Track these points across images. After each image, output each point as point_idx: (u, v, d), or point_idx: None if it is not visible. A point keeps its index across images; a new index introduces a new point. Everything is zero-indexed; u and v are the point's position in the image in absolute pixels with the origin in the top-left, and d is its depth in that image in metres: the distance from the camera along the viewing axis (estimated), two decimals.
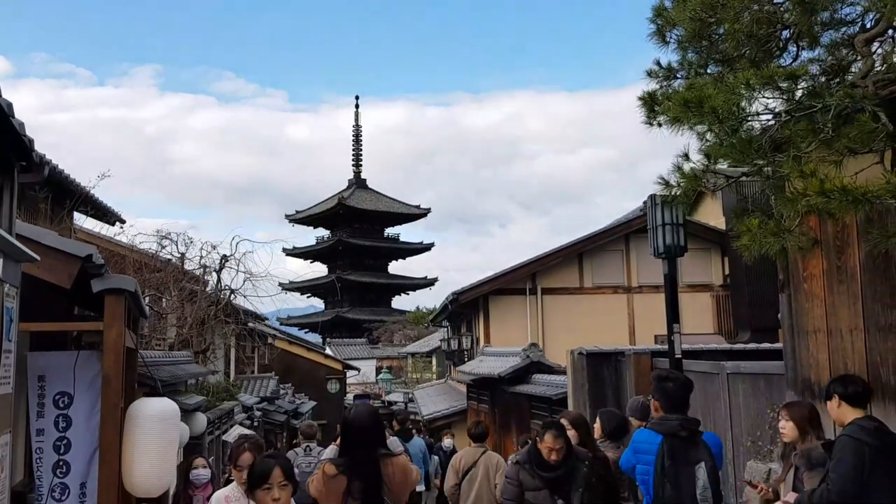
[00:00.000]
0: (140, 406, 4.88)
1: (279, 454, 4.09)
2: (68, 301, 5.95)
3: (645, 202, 12.67)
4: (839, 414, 4.18)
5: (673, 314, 6.98)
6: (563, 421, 5.17)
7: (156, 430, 4.77)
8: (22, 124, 3.06)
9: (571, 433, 5.10)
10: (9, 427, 3.32)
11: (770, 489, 4.60)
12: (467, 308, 20.14)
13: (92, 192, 10.07)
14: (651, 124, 5.35)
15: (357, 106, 71.18)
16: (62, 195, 9.76)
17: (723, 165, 5.34)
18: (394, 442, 4.35)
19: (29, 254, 3.15)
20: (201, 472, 5.57)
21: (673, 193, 5.22)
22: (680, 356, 7.08)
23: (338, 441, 4.27)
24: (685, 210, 6.42)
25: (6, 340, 3.21)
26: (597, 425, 5.51)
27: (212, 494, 5.01)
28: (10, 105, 2.81)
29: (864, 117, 3.86)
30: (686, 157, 4.84)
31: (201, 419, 10.77)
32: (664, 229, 6.87)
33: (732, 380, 7.88)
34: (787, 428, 4.40)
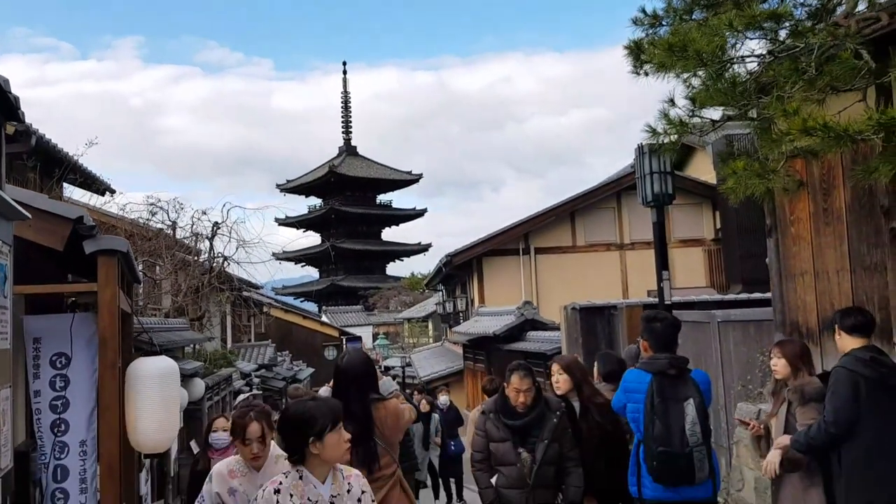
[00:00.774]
0: (140, 365, 4.94)
1: (258, 405, 4.13)
2: (61, 268, 5.97)
3: (634, 167, 12.70)
4: (842, 345, 4.26)
5: (662, 262, 7.06)
6: (555, 365, 5.04)
7: (157, 388, 4.83)
8: (7, 80, 3.06)
9: (563, 378, 4.96)
10: (8, 382, 3.37)
11: (761, 426, 4.69)
12: (461, 270, 20.23)
13: (80, 160, 10.03)
14: (638, 73, 5.36)
15: (345, 72, 70.59)
16: (50, 165, 9.72)
17: (709, 112, 5.37)
18: (386, 383, 4.39)
19: (20, 211, 3.17)
20: (221, 436, 5.30)
21: (660, 141, 5.25)
22: (670, 303, 7.17)
23: (331, 383, 4.35)
24: (672, 158, 6.46)
25: (1, 296, 3.25)
26: (595, 369, 5.59)
27: None
28: None
29: (847, 54, 3.88)
30: (672, 102, 4.86)
31: (199, 385, 10.87)
32: (652, 178, 6.91)
33: (723, 328, 7.99)
34: (778, 365, 4.49)
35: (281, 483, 2.82)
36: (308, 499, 2.79)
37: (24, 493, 4.79)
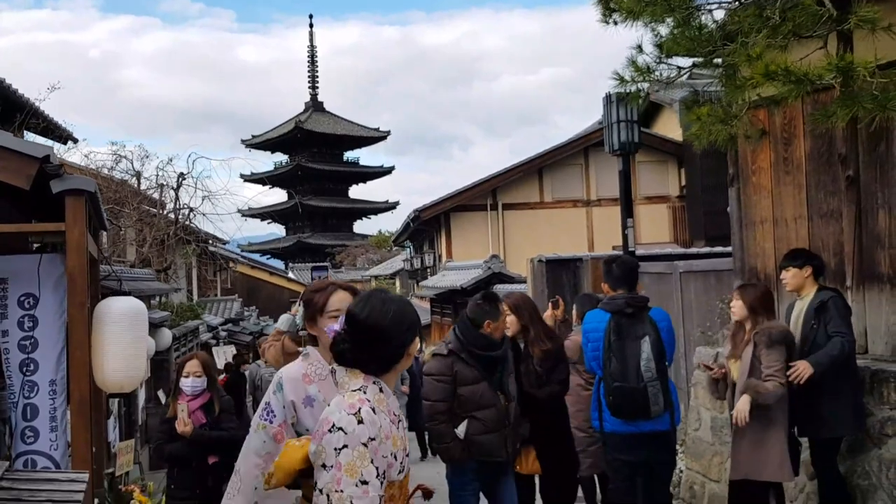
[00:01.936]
0: (107, 304, 4.94)
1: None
2: (24, 213, 5.91)
3: (602, 118, 12.77)
4: (804, 283, 4.63)
5: (627, 211, 7.19)
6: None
7: (124, 327, 4.84)
8: None
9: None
10: None
11: (721, 370, 4.85)
12: (429, 226, 20.29)
13: (41, 106, 9.82)
14: (606, 22, 5.40)
15: (311, 26, 69.31)
16: (10, 111, 9.52)
17: (676, 61, 5.44)
18: None
19: None
20: (194, 382, 4.89)
21: (627, 89, 5.32)
22: (633, 249, 7.33)
23: (293, 311, 4.38)
24: (640, 106, 6.54)
25: None
26: (574, 311, 5.77)
27: (206, 405, 5.04)
28: None
29: (809, 1, 3.96)
30: (640, 49, 4.93)
31: (166, 334, 10.87)
32: (619, 126, 7.00)
33: (685, 278, 8.20)
34: (736, 307, 4.65)
35: (369, 400, 2.25)
36: (393, 413, 2.31)
37: None
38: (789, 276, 4.75)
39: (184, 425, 4.84)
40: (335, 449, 2.12)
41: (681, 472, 6.23)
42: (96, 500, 5.43)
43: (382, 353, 2.30)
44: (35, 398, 4.91)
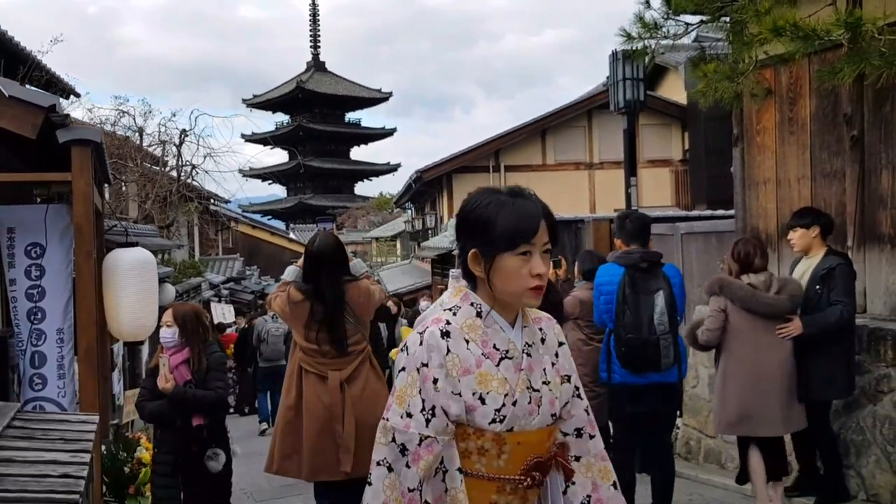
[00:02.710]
0: (116, 255, 4.99)
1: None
2: (29, 166, 5.93)
3: (608, 76, 12.69)
4: (812, 243, 4.72)
5: (630, 169, 7.19)
6: None
7: (135, 277, 4.89)
8: None
9: None
10: None
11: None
12: (431, 187, 20.27)
13: (43, 60, 9.77)
14: None
15: None
16: (13, 64, 9.46)
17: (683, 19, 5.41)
18: (357, 265, 4.51)
19: None
20: (166, 333, 4.57)
21: (634, 46, 5.30)
22: (636, 208, 7.34)
23: (299, 263, 4.45)
24: (646, 64, 6.51)
25: None
26: (576, 267, 5.84)
27: (186, 362, 4.59)
28: None
29: None
30: (647, 3, 4.90)
31: (170, 290, 10.93)
32: (625, 84, 6.98)
33: (686, 240, 8.23)
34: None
35: (448, 322, 1.87)
36: (494, 346, 1.87)
37: (2, 376, 4.89)
38: (797, 236, 4.77)
39: (164, 381, 4.45)
40: (397, 371, 1.89)
41: (678, 428, 6.33)
42: (103, 448, 5.53)
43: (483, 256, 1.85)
44: (42, 346, 4.98)
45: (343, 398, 4.13)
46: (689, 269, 8.04)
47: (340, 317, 4.13)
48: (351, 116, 68.05)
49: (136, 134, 13.99)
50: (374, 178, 70.48)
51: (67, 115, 4.68)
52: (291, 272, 4.45)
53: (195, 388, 4.47)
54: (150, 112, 14.32)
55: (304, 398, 4.18)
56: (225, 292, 17.97)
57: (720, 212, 11.03)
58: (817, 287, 4.63)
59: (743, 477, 4.77)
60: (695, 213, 12.21)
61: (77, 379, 5.00)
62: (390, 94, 68.81)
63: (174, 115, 14.50)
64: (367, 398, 4.20)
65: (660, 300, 4.50)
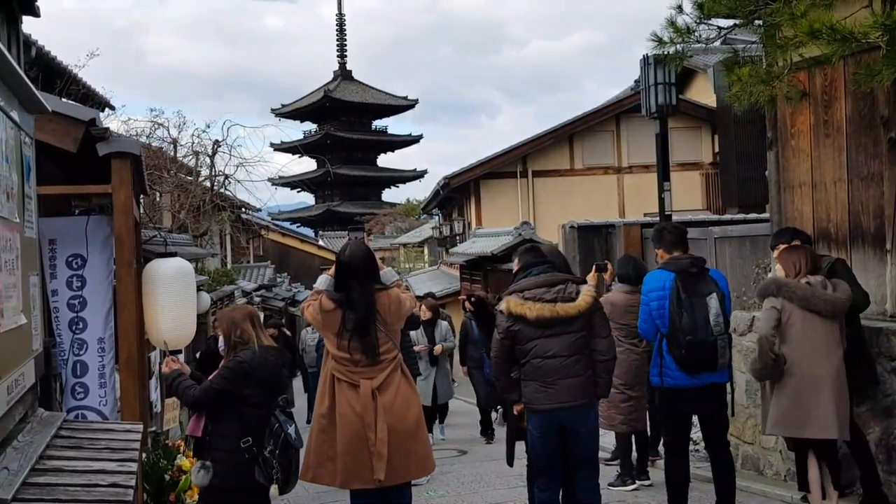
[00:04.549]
0: (156, 265, 5.07)
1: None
2: (68, 177, 6.05)
3: (636, 80, 12.62)
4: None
5: (664, 174, 7.15)
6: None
7: (174, 286, 4.96)
8: None
9: None
10: (36, 270, 3.50)
11: None
12: (458, 193, 20.29)
13: (79, 74, 9.96)
14: None
15: None
16: (50, 78, 9.66)
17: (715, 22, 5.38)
18: (387, 273, 4.54)
19: (43, 103, 3.24)
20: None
21: (666, 51, 5.29)
22: (670, 213, 7.31)
23: (330, 272, 4.49)
24: (678, 68, 6.48)
25: (28, 187, 3.34)
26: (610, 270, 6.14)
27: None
28: None
29: None
30: (679, 9, 4.88)
31: (205, 298, 11.06)
32: (657, 89, 6.96)
33: (720, 244, 8.17)
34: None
35: None
36: None
37: (46, 386, 4.98)
38: (780, 253, 4.86)
39: (166, 365, 4.48)
40: None
41: None
42: (143, 456, 5.62)
43: None
44: (84, 355, 5.08)
45: (375, 406, 4.16)
46: (724, 273, 7.97)
47: (371, 325, 4.17)
48: (377, 124, 68.39)
49: (171, 145, 14.20)
50: (400, 185, 70.74)
51: (107, 129, 4.78)
52: (323, 281, 4.50)
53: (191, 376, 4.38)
54: (185, 123, 14.55)
55: (337, 406, 4.21)
56: (257, 299, 18.15)
57: (753, 215, 10.93)
58: None
59: (803, 485, 4.76)
60: (727, 216, 12.10)
61: (118, 387, 5.10)
62: (416, 101, 69.04)
63: (208, 127, 14.72)
64: (398, 406, 4.22)
65: (713, 302, 4.60)
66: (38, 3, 3.49)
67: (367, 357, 4.18)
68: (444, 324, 9.46)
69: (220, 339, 4.70)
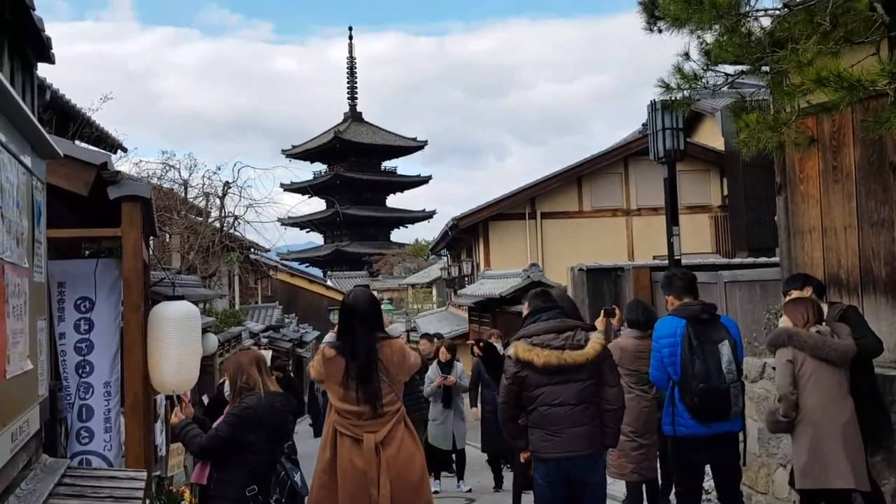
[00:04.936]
0: (162, 308, 5.07)
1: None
2: (79, 218, 6.09)
3: (644, 124, 12.71)
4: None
5: (672, 218, 7.15)
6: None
7: (179, 330, 4.95)
8: (41, 19, 3.13)
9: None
10: (44, 314, 3.50)
11: None
12: (467, 234, 20.33)
13: (93, 117, 10.09)
14: (651, 30, 5.41)
15: (350, 38, 70.12)
16: (64, 121, 9.79)
17: (723, 68, 5.41)
18: (395, 328, 4.54)
19: (55, 149, 3.27)
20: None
21: (673, 97, 5.31)
22: (679, 257, 7.28)
23: (335, 329, 4.47)
24: (685, 114, 6.52)
25: (38, 231, 3.36)
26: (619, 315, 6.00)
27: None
28: None
29: (862, 5, 3.93)
30: (686, 56, 4.92)
31: (212, 339, 11.05)
32: (664, 134, 6.99)
33: (730, 288, 8.11)
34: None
35: None
36: None
37: (51, 430, 4.94)
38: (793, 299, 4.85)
39: (175, 415, 4.43)
40: None
41: None
42: (147, 501, 5.55)
43: None
44: (90, 399, 5.05)
45: (378, 461, 4.08)
46: (734, 318, 7.90)
47: (373, 372, 4.09)
48: (387, 165, 68.89)
49: (182, 187, 14.32)
50: (409, 225, 70.97)
51: (118, 172, 4.81)
52: (330, 337, 4.53)
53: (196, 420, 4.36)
54: (195, 165, 14.71)
55: (339, 461, 4.13)
56: (264, 340, 18.09)
57: (763, 259, 10.88)
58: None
59: None
60: (737, 260, 12.06)
61: (123, 431, 5.06)
62: (425, 142, 69.62)
63: (219, 170, 14.88)
64: (402, 460, 4.16)
65: (725, 349, 4.57)
66: (53, 51, 3.54)
67: (370, 407, 4.09)
68: (459, 365, 9.38)
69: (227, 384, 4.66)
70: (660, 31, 5.33)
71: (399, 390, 4.27)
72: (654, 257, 14.77)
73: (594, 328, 4.54)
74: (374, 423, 4.11)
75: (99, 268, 5.10)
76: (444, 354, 8.94)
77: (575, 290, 11.24)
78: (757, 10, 4.73)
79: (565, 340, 4.16)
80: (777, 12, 4.76)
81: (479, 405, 8.90)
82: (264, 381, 4.20)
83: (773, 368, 4.96)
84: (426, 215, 68.96)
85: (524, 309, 4.67)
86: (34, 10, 2.94)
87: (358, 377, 4.09)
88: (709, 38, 5.08)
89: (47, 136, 3.10)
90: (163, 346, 4.88)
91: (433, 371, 8.87)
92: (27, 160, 3.14)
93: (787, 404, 4.40)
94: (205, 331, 10.71)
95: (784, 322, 4.71)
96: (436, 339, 10.17)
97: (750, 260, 11.53)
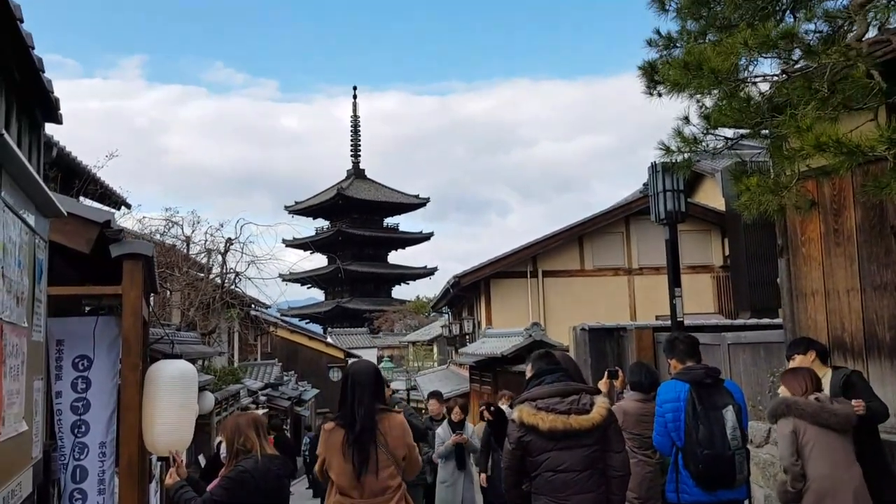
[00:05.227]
0: (160, 367, 5.01)
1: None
2: (79, 273, 6.08)
3: (645, 183, 12.80)
4: (813, 367, 4.76)
5: (675, 279, 7.13)
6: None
7: (176, 390, 4.89)
8: (50, 81, 3.18)
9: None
10: (42, 374, 3.46)
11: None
12: (468, 292, 20.30)
13: (98, 174, 10.18)
14: (651, 94, 5.49)
15: (355, 97, 71.28)
16: (70, 177, 9.88)
17: (723, 132, 5.47)
18: (397, 402, 4.52)
19: (58, 207, 3.28)
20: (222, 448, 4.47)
21: (674, 159, 5.36)
22: (682, 319, 7.24)
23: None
24: (686, 176, 6.57)
25: (38, 290, 3.35)
26: (622, 377, 5.91)
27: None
28: (41, 60, 2.93)
29: (859, 73, 3.99)
30: (686, 119, 4.98)
31: (209, 398, 10.91)
32: (665, 196, 7.02)
33: (734, 350, 8.05)
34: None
35: None
36: None
37: (44, 491, 4.85)
38: (796, 363, 4.85)
39: (170, 476, 4.35)
40: None
41: None
42: None
43: None
44: (84, 460, 4.96)
45: None
46: (738, 381, 7.82)
47: (372, 440, 4.04)
48: (389, 221, 69.32)
49: (184, 243, 14.37)
50: (410, 282, 71.03)
51: (121, 230, 4.82)
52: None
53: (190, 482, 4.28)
54: (198, 222, 14.79)
55: None
56: (263, 399, 17.90)
57: (766, 320, 10.83)
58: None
59: None
60: (740, 321, 12.00)
61: (117, 492, 4.96)
62: (427, 199, 70.17)
63: (221, 226, 14.92)
64: None
65: (729, 415, 4.50)
66: (60, 112, 3.58)
67: (367, 473, 4.02)
68: (470, 426, 9.19)
69: (223, 444, 4.58)
70: (659, 95, 5.41)
71: (399, 465, 4.18)
72: (657, 317, 14.71)
73: (599, 391, 4.48)
74: (376, 500, 4.02)
75: (98, 325, 5.07)
76: (457, 414, 8.69)
77: (577, 349, 11.16)
78: (755, 76, 4.80)
79: (571, 405, 4.10)
80: (775, 78, 4.84)
81: (488, 470, 8.67)
82: (261, 443, 4.15)
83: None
84: (427, 272, 69.07)
85: (528, 370, 4.61)
86: (43, 72, 2.99)
87: (356, 443, 4.03)
88: (708, 102, 5.16)
89: (51, 195, 3.11)
90: (158, 407, 4.82)
91: (444, 431, 8.64)
92: (30, 219, 3.15)
93: (793, 475, 4.33)
94: (202, 389, 10.61)
95: (783, 392, 4.67)
96: (450, 400, 9.86)
97: (753, 321, 11.47)
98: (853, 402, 4.46)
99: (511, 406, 6.56)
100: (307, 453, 17.46)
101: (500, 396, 9.50)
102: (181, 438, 5.00)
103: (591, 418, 4.05)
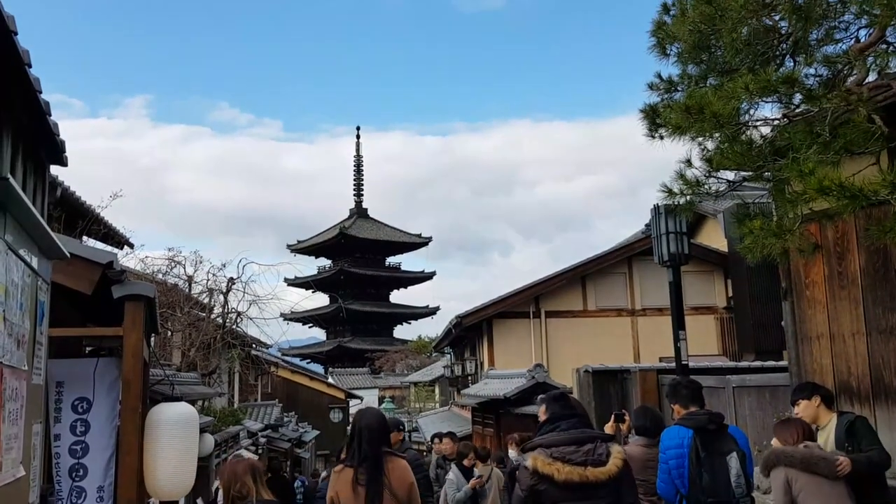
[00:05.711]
0: (161, 410, 4.97)
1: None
2: (81, 316, 6.06)
3: (647, 224, 12.82)
4: (817, 412, 4.73)
5: (679, 322, 7.09)
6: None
7: (177, 434, 4.85)
8: (56, 124, 3.20)
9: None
10: (40, 418, 3.43)
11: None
12: (471, 332, 20.20)
13: (102, 213, 10.21)
14: (653, 137, 5.52)
15: (358, 137, 71.89)
16: (74, 217, 9.91)
17: (724, 174, 5.49)
18: (413, 456, 4.59)
19: (62, 250, 3.28)
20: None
21: (676, 201, 5.37)
22: (686, 362, 7.18)
23: (337, 468, 4.48)
24: (689, 218, 6.57)
25: (39, 333, 3.33)
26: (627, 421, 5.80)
27: None
28: (48, 104, 2.96)
29: (860, 117, 4.01)
30: (688, 162, 5.00)
31: (209, 440, 10.77)
32: (668, 238, 7.02)
33: (738, 393, 7.98)
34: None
35: None
36: None
37: None
38: (801, 408, 4.81)
39: None
40: None
41: None
42: None
43: None
44: None
45: None
46: (743, 424, 7.74)
47: (379, 475, 4.18)
48: (391, 260, 69.37)
49: (186, 283, 14.35)
50: (412, 321, 70.79)
51: (123, 271, 4.82)
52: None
53: None
54: (201, 261, 14.79)
55: None
56: (262, 440, 17.71)
57: (770, 363, 10.74)
58: (846, 445, 4.56)
59: None
60: (744, 364, 11.91)
61: None
62: (430, 238, 70.27)
63: (224, 266, 14.96)
64: None
65: (734, 462, 4.43)
66: (66, 154, 3.60)
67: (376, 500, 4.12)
68: (475, 469, 9.06)
69: (220, 491, 4.58)
70: (661, 137, 5.43)
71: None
72: (661, 359, 14.60)
73: (613, 437, 4.42)
74: None
75: (99, 367, 5.04)
76: (470, 460, 8.52)
77: (581, 391, 11.06)
78: (757, 120, 4.83)
79: (587, 455, 3.99)
80: (777, 122, 4.87)
81: None
82: (258, 489, 4.15)
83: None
84: (430, 311, 68.87)
85: (541, 413, 4.52)
86: (49, 115, 3.01)
87: (366, 477, 4.19)
88: (710, 145, 5.19)
89: (55, 237, 3.11)
90: (159, 450, 4.77)
91: (457, 476, 8.47)
92: (33, 261, 3.14)
93: None
94: (203, 431, 10.49)
95: (774, 443, 4.63)
96: (465, 445, 9.70)
97: (758, 364, 11.38)
98: (839, 459, 4.39)
99: (521, 451, 6.42)
100: (300, 500, 17.19)
101: (508, 441, 9.34)
102: (184, 483, 4.94)
103: (608, 470, 3.96)
